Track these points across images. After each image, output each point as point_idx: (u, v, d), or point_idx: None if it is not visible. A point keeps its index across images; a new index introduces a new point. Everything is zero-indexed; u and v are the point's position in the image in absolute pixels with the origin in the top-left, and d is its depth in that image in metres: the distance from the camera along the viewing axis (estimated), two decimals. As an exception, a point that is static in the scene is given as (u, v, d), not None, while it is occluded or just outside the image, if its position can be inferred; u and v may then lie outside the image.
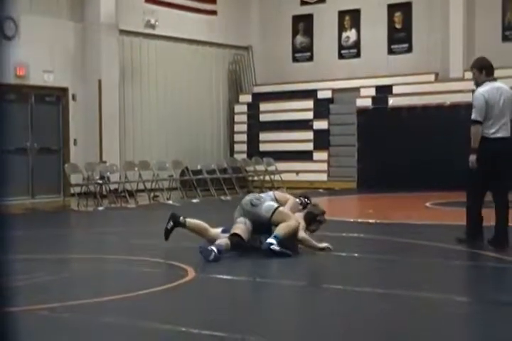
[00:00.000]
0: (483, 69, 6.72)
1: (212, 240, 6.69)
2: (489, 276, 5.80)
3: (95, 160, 14.53)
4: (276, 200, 6.92)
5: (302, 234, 6.71)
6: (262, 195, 7.10)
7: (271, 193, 7.17)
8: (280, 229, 6.53)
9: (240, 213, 6.80)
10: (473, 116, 6.63)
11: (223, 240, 6.52)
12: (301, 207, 7.08)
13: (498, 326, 3.99)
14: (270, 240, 6.45)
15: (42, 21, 14.23)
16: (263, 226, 6.70)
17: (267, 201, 6.80)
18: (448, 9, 16.83)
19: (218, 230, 6.96)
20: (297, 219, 6.71)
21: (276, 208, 6.70)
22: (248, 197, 6.93)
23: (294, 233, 6.57)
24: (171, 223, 7.04)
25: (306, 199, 7.17)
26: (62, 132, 14.99)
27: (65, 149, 14.98)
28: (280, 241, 6.45)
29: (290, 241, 6.61)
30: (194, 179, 14.93)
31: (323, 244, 6.71)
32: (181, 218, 7.00)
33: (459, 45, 16.79)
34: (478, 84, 6.83)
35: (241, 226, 6.66)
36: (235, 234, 6.56)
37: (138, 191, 13.98)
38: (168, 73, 17.36)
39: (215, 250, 6.29)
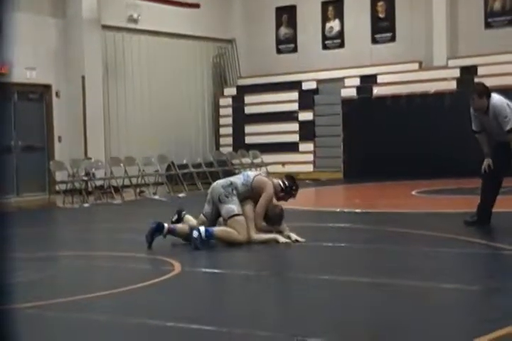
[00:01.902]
0: (484, 95, 6.89)
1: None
2: (477, 263, 5.81)
3: (80, 157, 14.45)
4: (251, 187, 6.88)
5: (253, 235, 6.73)
6: (239, 179, 6.98)
7: (251, 176, 7.01)
8: (220, 231, 6.66)
9: (208, 199, 6.96)
10: (510, 126, 6.89)
11: (183, 226, 6.86)
12: (282, 194, 7.06)
13: (487, 312, 3.99)
14: (202, 229, 6.52)
15: (23, 18, 14.10)
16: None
17: (232, 200, 6.77)
18: (430, -3, 16.83)
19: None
20: (245, 236, 6.68)
21: (234, 215, 6.72)
22: (220, 189, 6.86)
23: (229, 241, 6.65)
24: (176, 216, 7.23)
25: (289, 184, 7.10)
26: (47, 129, 14.90)
27: (49, 146, 14.90)
28: (208, 236, 6.54)
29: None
30: (180, 173, 14.89)
31: (283, 239, 6.68)
32: (183, 213, 7.22)
33: (442, 33, 16.81)
34: (478, 109, 7.00)
35: (241, 223, 6.74)
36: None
37: (124, 187, 13.92)
38: (152, 68, 17.28)
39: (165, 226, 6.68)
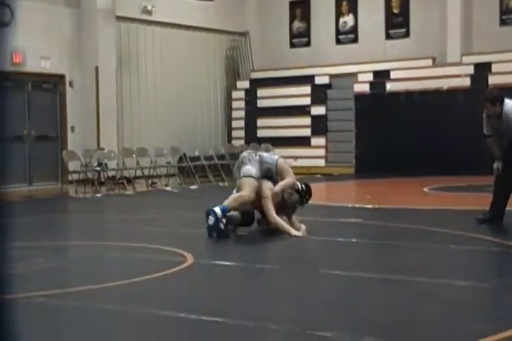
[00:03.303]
0: (497, 102, 6.91)
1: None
2: (488, 261, 5.81)
3: (93, 147, 14.50)
4: (277, 165, 7.13)
5: (275, 218, 6.77)
6: (266, 156, 7.35)
7: (275, 159, 7.27)
8: (229, 200, 6.82)
9: (246, 162, 7.10)
10: None
11: (234, 215, 6.88)
12: (291, 191, 7.12)
13: (497, 310, 4.00)
14: (216, 208, 6.62)
15: (38, 7, 14.14)
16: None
17: (253, 164, 7.09)
18: (445, -7, 16.74)
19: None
20: (250, 193, 6.85)
21: (248, 176, 6.96)
22: (248, 154, 7.27)
23: (244, 201, 6.86)
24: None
25: (305, 190, 7.19)
26: (60, 119, 14.95)
27: (62, 136, 14.95)
28: (224, 211, 6.65)
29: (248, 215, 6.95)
30: (192, 165, 14.92)
31: (296, 232, 6.70)
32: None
33: (457, 29, 16.71)
34: (491, 116, 6.99)
35: (249, 182, 6.89)
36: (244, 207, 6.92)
37: (136, 178, 13.96)
38: (165, 59, 17.28)
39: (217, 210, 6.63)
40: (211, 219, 6.59)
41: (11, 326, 1.59)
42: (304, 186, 7.21)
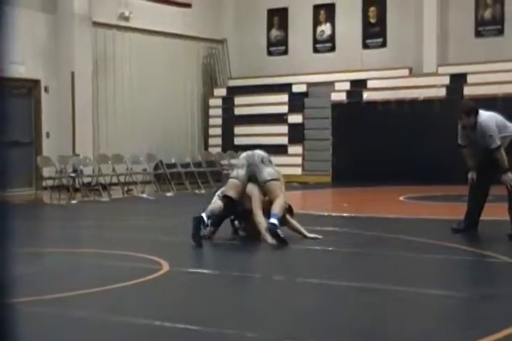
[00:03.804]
0: (471, 113, 7.00)
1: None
2: (463, 270, 5.83)
3: (68, 153, 14.38)
4: (278, 173, 7.16)
5: (259, 215, 6.83)
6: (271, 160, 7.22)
7: (273, 166, 7.21)
8: (277, 209, 6.67)
9: (242, 163, 7.01)
10: (498, 143, 6.98)
11: (216, 203, 6.79)
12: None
13: (473, 320, 4.01)
14: (273, 221, 6.54)
15: (13, 12, 14.00)
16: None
17: (273, 166, 7.06)
18: (422, 4, 16.90)
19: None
20: (284, 197, 6.85)
21: (274, 179, 6.86)
22: (263, 154, 7.13)
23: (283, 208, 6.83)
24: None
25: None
26: (35, 125, 14.81)
27: (37, 142, 14.81)
28: (279, 222, 6.61)
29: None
30: (168, 172, 14.86)
31: (271, 240, 6.70)
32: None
33: (433, 40, 16.88)
34: (466, 127, 7.05)
35: (234, 183, 6.82)
36: (226, 196, 6.81)
37: (111, 184, 13.87)
38: (141, 66, 17.22)
39: (204, 217, 6.57)
40: (280, 234, 6.52)
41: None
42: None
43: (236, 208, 6.97)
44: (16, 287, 1.67)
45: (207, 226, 6.70)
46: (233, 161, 16.29)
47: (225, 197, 6.85)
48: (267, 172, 6.90)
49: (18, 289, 4.74)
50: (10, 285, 1.59)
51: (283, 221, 6.89)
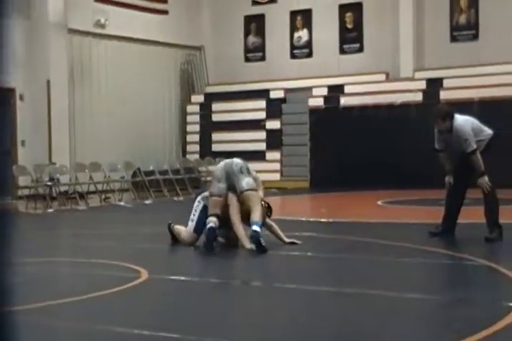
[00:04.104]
0: (447, 117, 7.05)
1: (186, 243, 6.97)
2: (440, 273, 5.86)
3: (44, 162, 14.26)
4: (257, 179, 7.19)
5: (237, 222, 6.83)
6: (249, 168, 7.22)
7: (250, 175, 7.19)
8: (257, 216, 6.66)
9: (221, 174, 6.95)
10: (474, 147, 7.00)
11: (212, 219, 6.76)
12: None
13: (450, 322, 4.02)
14: (255, 228, 6.54)
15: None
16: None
17: (252, 176, 7.05)
18: (398, 9, 17.04)
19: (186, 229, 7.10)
20: (260, 207, 6.83)
21: (253, 189, 6.84)
22: (242, 163, 7.10)
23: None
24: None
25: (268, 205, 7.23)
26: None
27: (12, 150, 14.66)
28: (261, 229, 6.64)
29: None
30: (146, 180, 14.79)
31: (249, 246, 6.71)
32: (171, 225, 7.24)
33: (409, 45, 17.01)
34: (442, 132, 7.08)
35: (217, 201, 6.85)
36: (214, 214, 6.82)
37: (89, 193, 13.77)
38: (118, 73, 17.15)
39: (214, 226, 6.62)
40: (262, 243, 6.51)
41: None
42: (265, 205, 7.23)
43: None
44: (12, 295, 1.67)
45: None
46: (212, 169, 16.31)
47: (214, 215, 6.83)
48: (245, 181, 6.89)
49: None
50: (8, 293, 1.56)
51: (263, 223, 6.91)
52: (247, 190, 6.85)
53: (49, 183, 13.16)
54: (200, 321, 4.20)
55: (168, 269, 6.14)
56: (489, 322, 3.76)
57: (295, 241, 7.06)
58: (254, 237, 6.50)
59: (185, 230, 7.12)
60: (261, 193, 7.14)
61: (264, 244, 6.50)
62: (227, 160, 7.22)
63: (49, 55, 14.99)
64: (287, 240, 7.05)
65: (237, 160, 7.17)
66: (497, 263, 5.71)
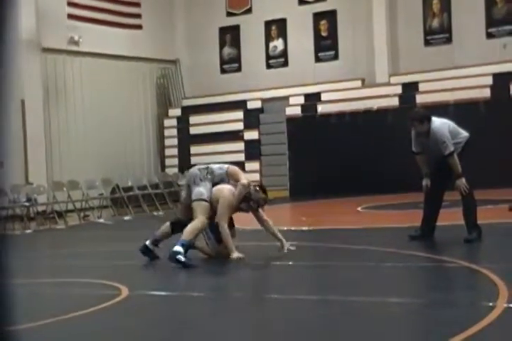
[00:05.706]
0: (424, 120, 7.10)
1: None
2: (421, 276, 5.84)
3: (21, 182, 14.11)
4: (227, 173, 7.06)
5: (223, 224, 6.73)
6: (216, 167, 7.11)
7: (225, 167, 7.14)
8: (186, 234, 6.63)
9: (185, 184, 7.21)
10: (451, 149, 7.01)
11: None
12: (257, 188, 7.11)
13: (433, 325, 3.99)
14: (177, 248, 6.46)
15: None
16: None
17: (205, 185, 6.90)
18: (372, 16, 17.14)
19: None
20: (203, 220, 6.73)
21: (201, 200, 6.79)
22: (196, 171, 7.03)
23: (199, 231, 6.76)
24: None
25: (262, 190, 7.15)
26: (-14, 154, 14.52)
27: (-10, 172, 14.51)
28: (187, 246, 6.55)
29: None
30: (125, 196, 14.68)
31: (236, 255, 6.67)
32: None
33: (384, 50, 17.10)
34: (420, 135, 7.07)
35: (181, 206, 7.16)
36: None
37: (67, 211, 13.64)
38: (94, 90, 17.08)
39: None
40: (180, 259, 6.41)
41: None
42: (259, 189, 7.13)
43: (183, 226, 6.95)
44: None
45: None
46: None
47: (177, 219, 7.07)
48: (195, 192, 6.88)
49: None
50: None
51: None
52: (194, 200, 6.85)
53: (26, 204, 13.01)
54: (182, 335, 4.16)
55: (149, 285, 6.07)
56: (471, 322, 3.75)
57: (291, 246, 6.99)
58: (171, 256, 6.42)
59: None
60: (244, 180, 6.94)
61: (183, 260, 6.39)
62: (191, 170, 7.31)
63: (22, 74, 14.87)
64: (284, 240, 6.99)
65: (191, 171, 7.21)
66: (477, 264, 5.70)
